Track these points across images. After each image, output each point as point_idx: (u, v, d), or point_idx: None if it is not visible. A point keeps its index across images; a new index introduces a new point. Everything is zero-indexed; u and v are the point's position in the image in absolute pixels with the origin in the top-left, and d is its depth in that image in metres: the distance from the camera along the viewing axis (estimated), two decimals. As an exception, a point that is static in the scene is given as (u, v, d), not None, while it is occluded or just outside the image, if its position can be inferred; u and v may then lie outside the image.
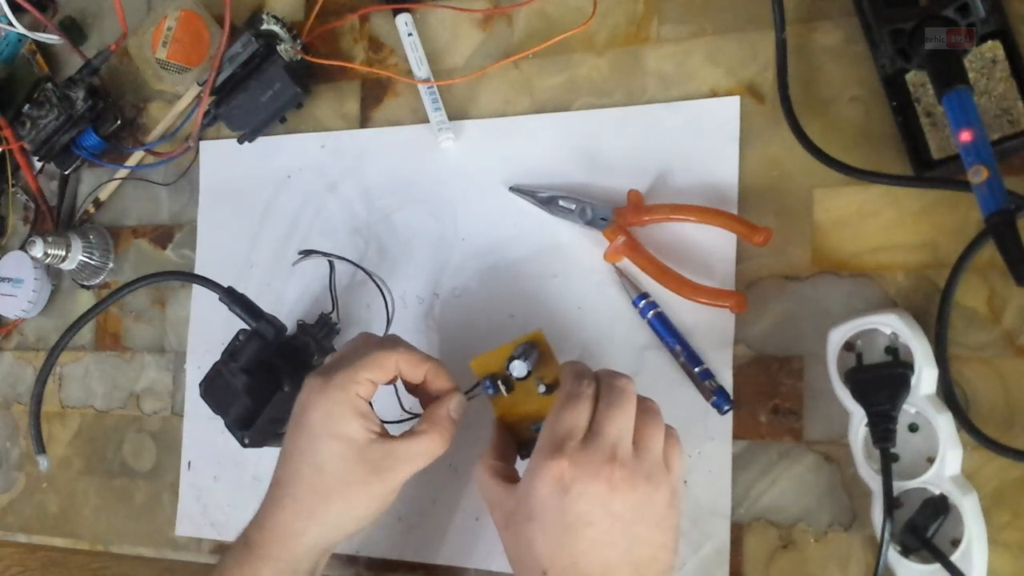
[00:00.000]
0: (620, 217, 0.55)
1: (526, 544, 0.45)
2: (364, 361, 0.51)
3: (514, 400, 0.52)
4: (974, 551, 0.45)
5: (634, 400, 0.47)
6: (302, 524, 0.50)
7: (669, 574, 0.46)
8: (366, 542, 0.61)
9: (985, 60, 0.48)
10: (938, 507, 0.46)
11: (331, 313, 0.63)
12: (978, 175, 0.43)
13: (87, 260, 0.72)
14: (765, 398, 0.52)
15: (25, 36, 0.73)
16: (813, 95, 0.52)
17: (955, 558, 0.45)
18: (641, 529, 0.44)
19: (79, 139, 0.71)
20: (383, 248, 0.63)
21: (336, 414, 0.50)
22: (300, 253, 0.65)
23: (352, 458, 0.49)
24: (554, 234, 0.58)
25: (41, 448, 0.60)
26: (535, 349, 0.52)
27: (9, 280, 0.74)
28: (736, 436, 0.52)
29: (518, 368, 0.51)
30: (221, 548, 0.65)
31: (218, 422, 0.59)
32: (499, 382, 0.52)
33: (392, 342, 0.53)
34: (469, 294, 0.60)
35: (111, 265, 0.73)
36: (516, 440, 0.52)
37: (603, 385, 0.47)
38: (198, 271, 0.68)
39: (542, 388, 0.51)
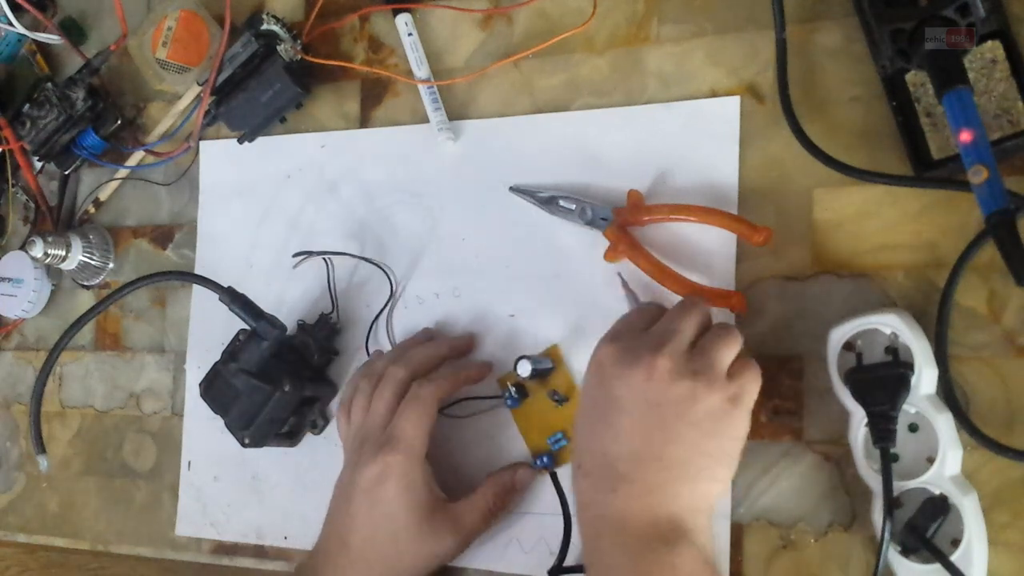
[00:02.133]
0: (620, 217, 0.55)
1: (573, 444, 0.46)
2: (420, 419, 0.52)
3: (530, 411, 0.55)
4: (974, 551, 0.45)
5: (703, 313, 0.47)
6: None
7: (709, 485, 0.44)
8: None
9: (985, 60, 0.48)
10: (938, 507, 0.46)
11: (331, 313, 0.63)
12: (978, 175, 0.43)
13: (87, 260, 0.72)
14: (765, 398, 0.52)
15: (25, 36, 0.73)
16: (813, 95, 0.52)
17: (955, 558, 0.45)
18: (681, 427, 0.42)
19: (79, 139, 0.71)
20: (383, 248, 0.63)
21: (415, 485, 0.51)
22: (295, 256, 0.65)
23: (425, 522, 0.51)
24: (554, 234, 0.58)
25: (41, 448, 0.60)
26: (548, 359, 0.55)
27: (9, 280, 0.74)
28: (736, 436, 0.52)
29: (523, 367, 0.53)
30: (221, 548, 0.65)
31: (218, 422, 0.59)
32: (511, 388, 0.55)
33: (424, 388, 0.53)
34: (469, 294, 0.60)
35: (111, 265, 0.73)
36: (535, 453, 0.55)
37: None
38: (198, 271, 0.68)
39: (556, 398, 0.53)
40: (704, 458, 0.43)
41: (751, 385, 0.46)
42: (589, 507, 0.45)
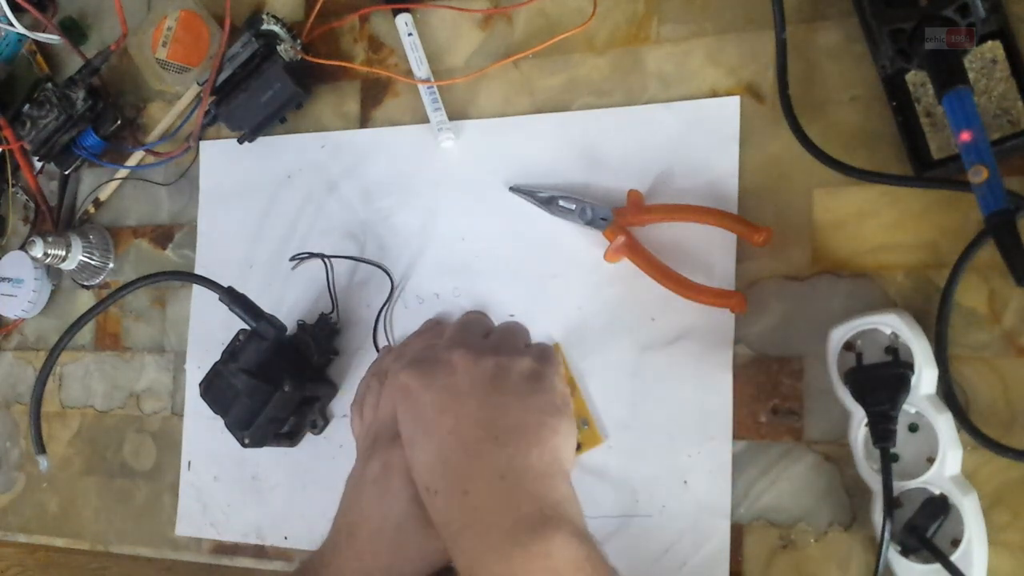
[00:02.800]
0: (620, 217, 0.55)
1: (415, 475, 0.44)
2: None
3: None
4: (974, 551, 0.45)
5: (470, 317, 0.50)
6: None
7: (553, 439, 0.43)
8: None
9: (985, 60, 0.48)
10: (938, 507, 0.46)
11: (331, 313, 0.63)
12: (978, 175, 0.43)
13: (87, 260, 0.72)
14: (765, 398, 0.52)
15: (25, 36, 0.73)
16: (813, 95, 0.52)
17: (955, 558, 0.45)
18: (501, 398, 0.42)
19: (79, 139, 0.71)
20: (383, 248, 0.63)
21: None
22: (292, 259, 0.65)
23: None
24: (554, 234, 0.58)
25: (41, 448, 0.60)
26: None
27: (9, 280, 0.74)
28: (736, 436, 0.52)
29: None
30: (221, 548, 0.65)
31: (218, 422, 0.59)
32: None
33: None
34: (469, 294, 0.60)
35: (111, 265, 0.73)
36: None
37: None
38: (198, 271, 0.68)
39: None
40: (536, 414, 0.43)
41: (550, 350, 0.46)
42: (450, 524, 0.43)
